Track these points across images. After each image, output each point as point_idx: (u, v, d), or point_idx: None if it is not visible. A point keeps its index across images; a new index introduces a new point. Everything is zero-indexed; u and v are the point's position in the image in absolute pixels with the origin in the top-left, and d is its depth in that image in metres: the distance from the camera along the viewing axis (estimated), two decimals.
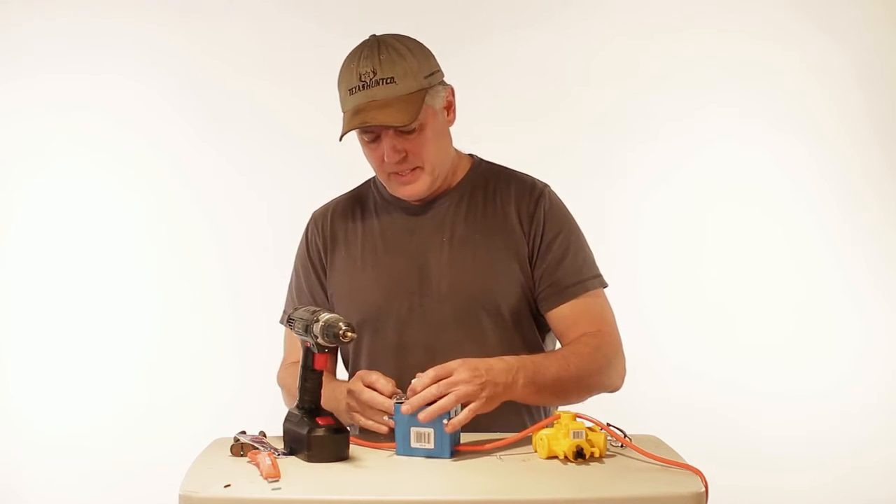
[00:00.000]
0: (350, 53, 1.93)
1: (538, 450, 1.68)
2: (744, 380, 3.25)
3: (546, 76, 3.32)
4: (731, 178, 3.32)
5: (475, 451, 1.70)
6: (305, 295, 2.06)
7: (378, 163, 1.94)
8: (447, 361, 1.73)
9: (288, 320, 1.81)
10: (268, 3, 3.34)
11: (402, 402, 1.69)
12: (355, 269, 2.01)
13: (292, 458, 1.67)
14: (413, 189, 1.96)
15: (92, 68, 3.28)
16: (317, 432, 1.65)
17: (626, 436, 1.71)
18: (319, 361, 1.71)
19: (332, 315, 1.66)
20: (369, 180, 2.11)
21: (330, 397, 1.78)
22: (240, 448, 1.69)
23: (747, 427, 3.25)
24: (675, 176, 3.32)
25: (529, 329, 1.99)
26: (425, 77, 1.90)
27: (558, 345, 2.02)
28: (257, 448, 1.66)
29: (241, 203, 3.32)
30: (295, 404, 1.74)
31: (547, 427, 1.67)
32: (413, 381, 1.71)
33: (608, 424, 1.72)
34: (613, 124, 3.31)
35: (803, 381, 3.27)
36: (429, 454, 1.67)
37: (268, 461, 1.57)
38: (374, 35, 1.93)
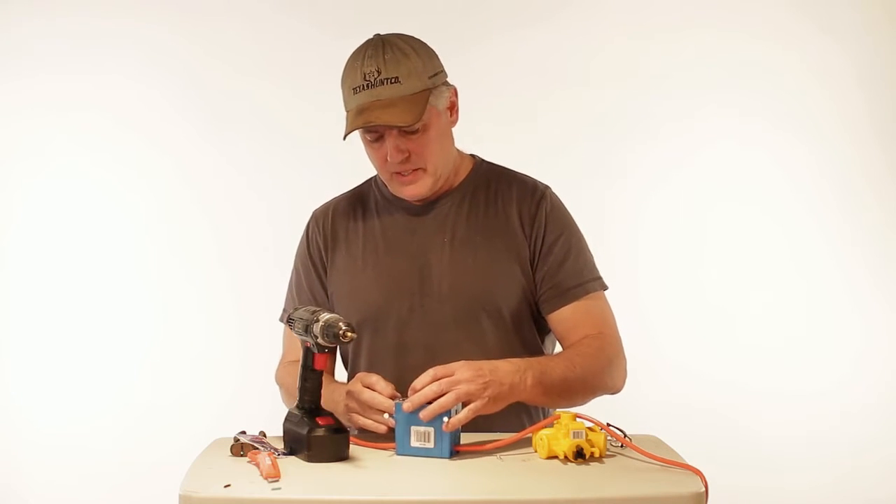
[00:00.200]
0: (354, 52, 1.93)
1: (538, 450, 1.68)
2: (744, 380, 3.25)
3: (546, 76, 3.32)
4: (731, 178, 3.32)
5: (475, 450, 1.70)
6: (305, 293, 2.06)
7: (381, 162, 1.94)
8: (447, 362, 1.74)
9: (288, 320, 1.81)
10: (268, 3, 3.34)
11: (403, 400, 1.69)
12: (356, 268, 2.01)
13: (292, 458, 1.67)
14: (415, 189, 1.96)
15: (92, 68, 3.28)
16: (317, 432, 1.65)
17: (626, 436, 1.71)
18: (319, 361, 1.71)
19: (332, 315, 1.66)
20: (370, 179, 2.11)
21: (328, 399, 1.78)
22: (240, 448, 1.69)
23: (747, 427, 3.25)
24: (675, 176, 3.32)
25: (529, 331, 1.99)
26: (429, 77, 1.89)
27: (558, 347, 2.02)
28: (257, 448, 1.66)
29: (241, 203, 3.32)
30: (294, 404, 1.74)
31: (547, 427, 1.68)
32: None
33: (608, 424, 1.72)
34: (613, 124, 3.31)
35: (803, 381, 3.27)
36: (429, 454, 1.67)
37: (268, 461, 1.57)
38: (378, 34, 1.93)
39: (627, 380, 1.97)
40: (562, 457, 1.63)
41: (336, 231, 2.06)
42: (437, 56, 1.94)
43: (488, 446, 1.71)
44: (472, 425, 1.71)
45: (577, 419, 1.67)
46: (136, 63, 3.29)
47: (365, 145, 1.96)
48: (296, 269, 2.11)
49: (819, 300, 3.32)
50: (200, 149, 3.32)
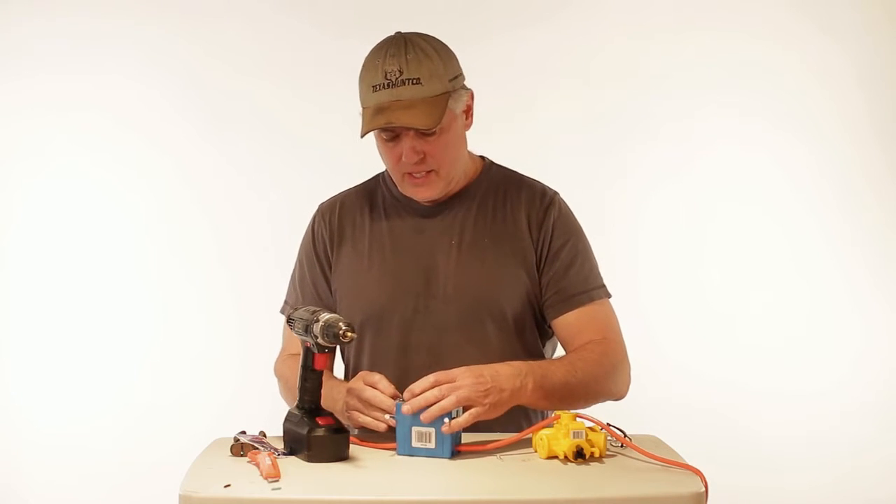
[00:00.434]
0: (374, 49, 1.91)
1: (538, 450, 1.68)
2: (744, 380, 3.25)
3: (546, 76, 3.32)
4: (731, 177, 3.32)
5: (475, 451, 1.70)
6: (308, 287, 2.06)
7: (394, 162, 1.93)
8: (449, 364, 1.74)
9: (288, 320, 1.81)
10: (268, 3, 3.34)
11: (404, 401, 1.70)
12: (361, 266, 2.01)
13: (292, 458, 1.67)
14: (426, 192, 1.96)
15: (92, 68, 3.28)
16: (317, 432, 1.65)
17: (626, 436, 1.71)
18: (319, 361, 1.71)
19: (332, 315, 1.66)
20: (378, 176, 2.10)
21: (327, 396, 1.78)
22: (240, 448, 1.69)
23: (747, 427, 3.25)
24: (675, 175, 3.32)
25: (531, 336, 1.99)
26: (450, 80, 1.89)
27: (559, 351, 2.02)
28: (257, 448, 1.67)
29: (241, 202, 3.32)
30: (295, 404, 1.74)
31: (547, 427, 1.68)
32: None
33: (608, 424, 1.72)
34: (614, 125, 3.31)
35: (803, 380, 3.27)
36: (430, 454, 1.67)
37: (268, 461, 1.57)
38: (399, 32, 1.92)
39: None
40: (562, 457, 1.64)
41: (343, 227, 2.05)
42: (457, 58, 1.93)
43: (488, 446, 1.71)
44: (473, 426, 1.72)
45: (577, 419, 1.67)
46: (135, 63, 3.29)
47: (379, 143, 1.94)
48: (299, 261, 2.10)
49: (819, 300, 3.31)
50: (200, 149, 3.32)
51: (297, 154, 3.29)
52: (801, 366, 3.28)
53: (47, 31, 3.26)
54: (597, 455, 1.64)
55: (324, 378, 1.74)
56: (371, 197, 2.07)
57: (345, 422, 1.75)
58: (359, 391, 1.77)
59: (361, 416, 1.77)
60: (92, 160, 3.30)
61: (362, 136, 1.90)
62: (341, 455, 1.66)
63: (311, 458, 1.64)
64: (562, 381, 1.82)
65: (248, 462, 1.63)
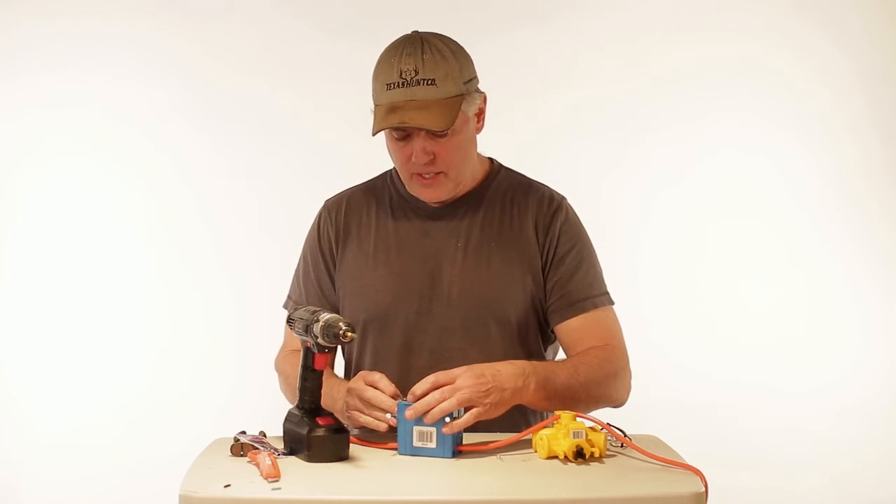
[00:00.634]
0: (390, 47, 1.90)
1: (538, 450, 1.68)
2: (744, 380, 3.25)
3: (546, 77, 3.32)
4: (732, 177, 3.32)
5: (476, 451, 1.70)
6: (312, 282, 2.06)
7: (404, 161, 1.93)
8: (452, 366, 1.74)
9: (288, 320, 1.81)
10: (268, 3, 3.34)
11: (406, 402, 1.70)
12: (366, 266, 2.01)
13: (292, 458, 1.67)
14: (434, 192, 1.95)
15: (92, 68, 3.28)
16: (317, 432, 1.65)
17: (626, 436, 1.71)
18: (320, 361, 1.71)
19: (332, 315, 1.65)
20: (385, 174, 2.09)
21: (327, 395, 1.78)
22: (240, 448, 1.69)
23: (747, 427, 3.25)
24: (676, 176, 3.32)
25: (534, 340, 1.99)
26: (465, 83, 1.88)
27: (561, 356, 2.02)
28: (257, 448, 1.66)
29: (241, 202, 3.32)
30: (295, 403, 1.74)
31: (547, 427, 1.68)
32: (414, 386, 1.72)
33: (608, 424, 1.72)
34: (614, 125, 3.31)
35: (803, 380, 3.27)
36: (431, 454, 1.67)
37: (268, 461, 1.57)
38: (416, 31, 1.91)
39: None
40: (562, 457, 1.63)
41: (349, 224, 2.05)
42: (472, 61, 1.93)
43: (489, 446, 1.71)
44: (473, 426, 1.71)
45: (577, 419, 1.67)
46: (135, 63, 3.30)
47: (389, 142, 1.94)
48: (304, 257, 2.10)
49: (819, 300, 3.32)
50: (200, 148, 3.32)
51: (297, 154, 3.29)
52: (801, 366, 3.28)
53: (47, 31, 3.27)
54: (597, 455, 1.64)
55: (324, 377, 1.74)
56: (378, 195, 2.06)
57: (345, 422, 1.75)
58: (359, 391, 1.77)
59: (362, 416, 1.77)
60: (92, 160, 3.31)
61: (374, 134, 1.89)
62: (341, 455, 1.66)
63: (311, 458, 1.64)
64: (564, 382, 1.82)
65: (248, 462, 1.63)
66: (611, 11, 3.33)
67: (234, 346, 3.25)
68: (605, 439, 1.67)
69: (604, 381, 1.89)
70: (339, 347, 2.05)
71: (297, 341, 1.97)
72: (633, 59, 3.32)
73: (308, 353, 1.71)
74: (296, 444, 1.68)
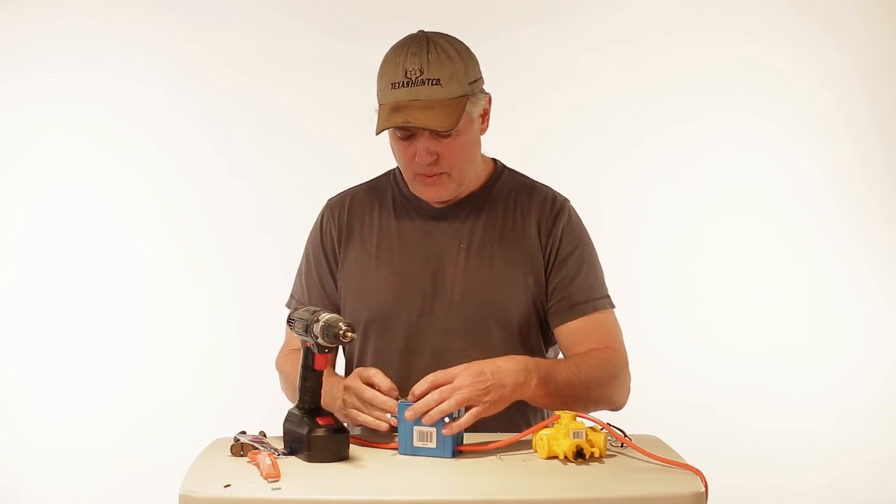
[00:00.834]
0: (395, 46, 1.90)
1: (538, 450, 1.68)
2: (744, 380, 3.25)
3: (545, 78, 3.32)
4: (732, 177, 3.33)
5: (476, 451, 1.70)
6: (314, 281, 2.06)
7: (407, 161, 1.93)
8: (452, 367, 1.73)
9: (288, 320, 1.81)
10: (268, 3, 3.34)
11: (406, 401, 1.70)
12: (369, 266, 2.01)
13: (292, 458, 1.67)
14: (437, 192, 1.95)
15: (92, 68, 3.28)
16: (317, 432, 1.65)
17: (626, 436, 1.71)
18: (320, 361, 1.71)
19: (332, 315, 1.65)
20: (389, 173, 2.09)
21: (327, 392, 1.78)
22: (240, 448, 1.69)
23: (747, 427, 3.25)
24: (676, 176, 3.32)
25: (536, 341, 1.99)
26: (469, 83, 1.88)
27: (561, 357, 2.02)
28: (257, 448, 1.66)
29: (241, 202, 3.32)
30: (295, 403, 1.74)
31: (547, 427, 1.68)
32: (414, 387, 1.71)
33: (608, 424, 1.72)
34: (614, 126, 3.31)
35: (803, 381, 3.27)
36: (431, 454, 1.67)
37: (268, 461, 1.57)
38: (422, 31, 1.91)
39: None
40: (562, 457, 1.63)
41: (352, 224, 2.04)
42: (477, 62, 1.93)
43: (489, 446, 1.71)
44: (473, 425, 1.71)
45: (577, 419, 1.67)
46: (135, 63, 3.30)
47: (393, 141, 1.93)
48: (306, 255, 2.09)
49: (819, 300, 3.32)
50: (200, 148, 3.32)
51: (297, 154, 3.29)
52: (801, 366, 3.28)
53: (47, 31, 3.27)
54: (597, 455, 1.64)
55: (325, 375, 1.74)
56: (381, 195, 2.06)
57: (343, 420, 1.75)
58: (358, 391, 1.77)
59: (361, 415, 1.77)
60: (92, 160, 3.31)
61: (377, 133, 1.89)
62: (341, 455, 1.66)
63: (311, 458, 1.64)
64: (566, 379, 1.82)
65: (248, 462, 1.63)
66: (611, 11, 3.33)
67: (234, 346, 3.25)
68: (605, 439, 1.67)
69: (604, 382, 1.90)
70: (340, 347, 2.06)
71: (298, 340, 1.98)
72: (633, 59, 3.32)
73: (308, 354, 1.71)
74: (296, 444, 1.68)
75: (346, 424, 1.73)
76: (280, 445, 1.72)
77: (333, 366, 2.04)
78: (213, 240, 3.32)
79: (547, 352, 2.02)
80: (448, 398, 1.68)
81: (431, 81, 1.83)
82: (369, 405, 1.75)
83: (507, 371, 1.74)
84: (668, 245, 3.31)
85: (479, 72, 1.93)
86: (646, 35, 3.32)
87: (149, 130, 3.31)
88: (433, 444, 1.67)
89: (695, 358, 3.25)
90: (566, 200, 2.03)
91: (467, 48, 1.92)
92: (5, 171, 3.29)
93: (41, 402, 3.26)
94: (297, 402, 1.73)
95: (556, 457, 1.65)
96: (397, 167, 2.03)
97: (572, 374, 1.84)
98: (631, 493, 1.52)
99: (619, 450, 1.71)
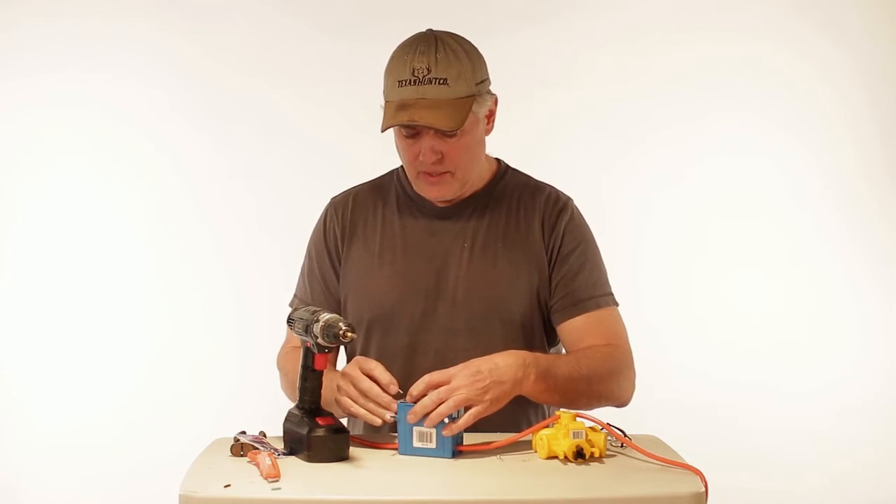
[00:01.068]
0: (403, 44, 1.90)
1: (538, 450, 1.68)
2: (745, 380, 3.25)
3: (545, 78, 3.32)
4: (732, 177, 3.33)
5: (476, 451, 1.70)
6: (317, 280, 2.05)
7: (411, 159, 1.92)
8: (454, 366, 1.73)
9: (288, 320, 1.81)
10: (268, 3, 3.34)
11: (405, 401, 1.70)
12: (372, 265, 2.00)
13: (292, 458, 1.67)
14: (440, 191, 1.95)
15: (92, 68, 3.28)
16: (317, 432, 1.65)
17: (626, 436, 1.71)
18: (320, 361, 1.70)
19: (332, 315, 1.65)
20: (393, 172, 2.08)
21: (326, 387, 1.76)
22: (240, 448, 1.69)
23: (747, 427, 3.25)
24: (677, 176, 3.32)
25: (539, 340, 1.98)
26: (476, 84, 1.88)
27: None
28: (257, 448, 1.66)
29: (240, 202, 3.32)
30: (295, 403, 1.74)
31: (547, 427, 1.67)
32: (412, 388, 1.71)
33: (608, 424, 1.72)
34: (614, 126, 3.31)
35: (803, 380, 3.27)
36: (431, 454, 1.67)
37: (268, 461, 1.57)
38: (430, 29, 1.91)
39: None
40: (562, 457, 1.63)
41: (355, 222, 2.04)
42: (485, 62, 1.93)
43: (489, 446, 1.71)
44: (474, 425, 1.71)
45: (577, 419, 1.67)
46: (135, 63, 3.30)
47: (398, 139, 1.93)
48: (309, 254, 2.09)
49: (819, 300, 3.32)
50: (200, 149, 3.32)
51: (297, 154, 3.29)
52: (801, 366, 3.28)
53: (47, 31, 3.27)
54: (597, 455, 1.64)
55: (325, 373, 1.74)
56: (384, 194, 2.06)
57: (333, 407, 1.74)
58: (356, 380, 1.75)
59: (354, 405, 1.75)
60: (92, 160, 3.31)
61: (383, 130, 1.88)
62: (341, 455, 1.66)
63: (311, 458, 1.64)
64: (566, 374, 1.81)
65: (248, 462, 1.63)
66: (611, 11, 3.33)
67: (234, 346, 3.25)
68: (605, 439, 1.67)
69: (607, 377, 1.89)
70: (342, 347, 2.06)
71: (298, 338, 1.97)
72: (633, 59, 3.32)
73: (308, 354, 1.71)
74: (296, 444, 1.68)
75: (345, 423, 1.73)
76: (280, 445, 1.72)
77: (334, 364, 2.04)
78: (212, 240, 3.32)
79: (550, 352, 2.02)
80: (446, 399, 1.67)
81: (439, 80, 1.83)
82: (364, 396, 1.74)
83: (504, 367, 1.74)
84: (668, 245, 3.31)
85: (487, 72, 1.93)
86: (646, 35, 3.32)
87: (149, 130, 3.31)
88: (433, 445, 1.67)
89: (695, 358, 3.25)
90: (569, 199, 2.03)
91: (475, 48, 1.92)
92: (5, 171, 3.29)
93: (41, 402, 3.26)
94: (296, 401, 1.73)
95: (555, 457, 1.65)
96: (401, 166, 2.03)
97: (573, 369, 1.83)
98: (631, 493, 1.52)
99: (619, 450, 1.71)
